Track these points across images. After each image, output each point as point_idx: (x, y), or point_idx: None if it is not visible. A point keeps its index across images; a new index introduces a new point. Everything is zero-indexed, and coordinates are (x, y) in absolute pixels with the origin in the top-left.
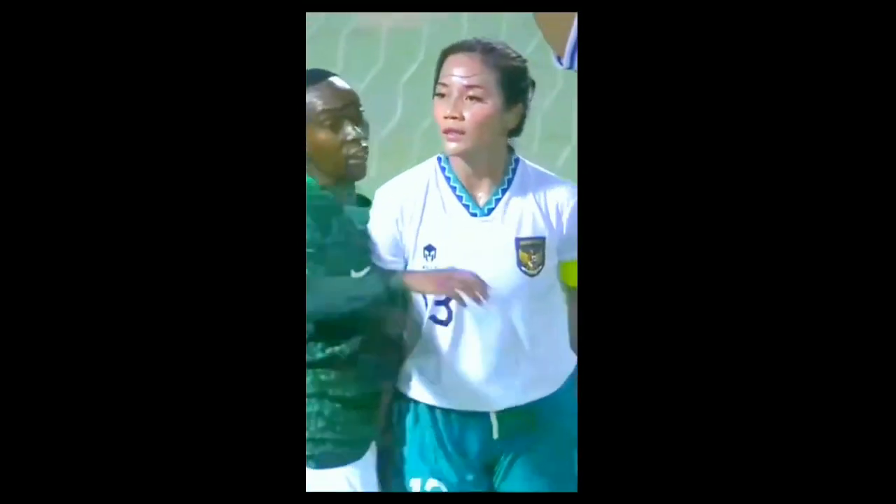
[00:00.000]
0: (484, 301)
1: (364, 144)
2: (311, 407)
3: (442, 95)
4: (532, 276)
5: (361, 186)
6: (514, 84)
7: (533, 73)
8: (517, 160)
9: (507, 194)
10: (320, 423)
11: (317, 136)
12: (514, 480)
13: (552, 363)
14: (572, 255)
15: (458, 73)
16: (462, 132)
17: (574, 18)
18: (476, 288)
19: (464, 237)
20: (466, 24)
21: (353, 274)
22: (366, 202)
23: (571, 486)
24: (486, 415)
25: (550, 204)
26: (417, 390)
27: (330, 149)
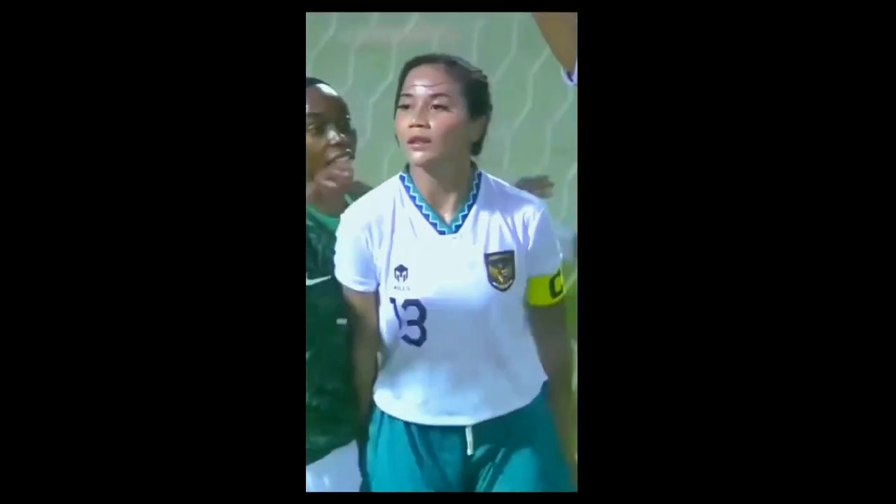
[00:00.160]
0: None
1: (348, 150)
2: None
3: (406, 107)
4: (503, 289)
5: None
6: (477, 96)
7: (541, 88)
8: (480, 175)
9: (473, 209)
10: None
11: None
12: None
13: (525, 376)
14: (540, 270)
15: (423, 83)
16: (428, 140)
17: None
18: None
19: (434, 256)
20: (476, 37)
21: (308, 281)
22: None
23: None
24: (460, 429)
25: (517, 218)
26: (391, 405)
27: (313, 153)
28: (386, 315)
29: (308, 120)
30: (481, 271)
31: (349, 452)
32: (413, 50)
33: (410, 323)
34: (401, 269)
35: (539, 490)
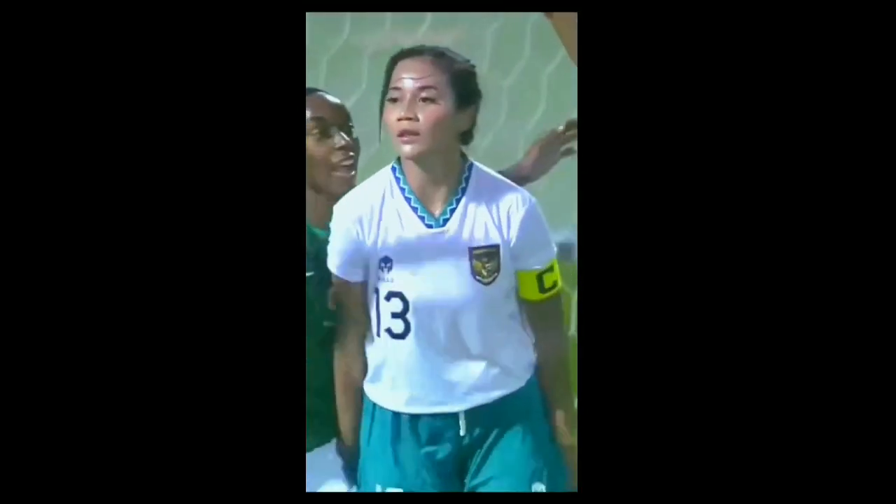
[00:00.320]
0: None
1: (351, 154)
2: None
3: (394, 100)
4: (487, 283)
5: None
6: (465, 86)
7: (555, 90)
8: (471, 166)
9: (461, 203)
10: None
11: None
12: (484, 475)
13: (514, 362)
14: (527, 264)
15: (410, 76)
16: (417, 133)
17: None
18: None
19: (419, 249)
20: (490, 41)
21: None
22: None
23: (542, 481)
24: (453, 415)
25: (502, 211)
26: (382, 397)
27: (317, 157)
28: (373, 306)
29: (311, 124)
30: (465, 265)
31: (330, 450)
32: None
33: (394, 315)
34: (385, 260)
35: (532, 466)
